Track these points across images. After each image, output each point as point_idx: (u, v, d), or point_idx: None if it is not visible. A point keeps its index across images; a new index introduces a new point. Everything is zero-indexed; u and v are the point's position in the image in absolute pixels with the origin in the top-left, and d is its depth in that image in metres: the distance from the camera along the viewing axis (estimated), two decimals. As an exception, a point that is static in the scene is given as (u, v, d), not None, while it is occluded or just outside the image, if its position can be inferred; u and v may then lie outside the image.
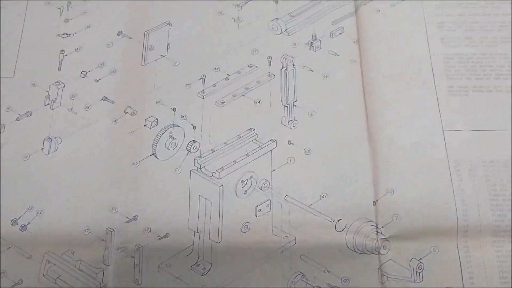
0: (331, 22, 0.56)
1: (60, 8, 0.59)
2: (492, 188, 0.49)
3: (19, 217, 0.50)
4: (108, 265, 0.48)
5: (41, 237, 0.49)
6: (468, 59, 0.54)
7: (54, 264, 0.49)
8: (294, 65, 0.55)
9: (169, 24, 0.57)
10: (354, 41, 0.55)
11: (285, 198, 0.50)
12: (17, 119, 0.54)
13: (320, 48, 0.55)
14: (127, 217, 0.50)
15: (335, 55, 0.55)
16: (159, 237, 0.49)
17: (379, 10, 0.56)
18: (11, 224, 0.50)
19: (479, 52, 0.54)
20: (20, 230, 0.50)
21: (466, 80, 0.53)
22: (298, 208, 0.49)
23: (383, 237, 0.47)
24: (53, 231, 0.50)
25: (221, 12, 0.58)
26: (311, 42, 0.56)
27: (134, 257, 0.48)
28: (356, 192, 0.49)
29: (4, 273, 0.48)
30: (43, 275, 0.48)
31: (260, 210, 0.49)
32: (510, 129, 0.51)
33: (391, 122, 0.51)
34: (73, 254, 0.49)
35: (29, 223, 0.50)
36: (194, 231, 0.49)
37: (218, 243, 0.48)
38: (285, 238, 0.48)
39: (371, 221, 0.48)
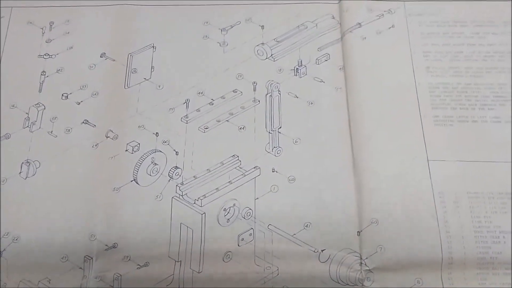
0: (316, 48, 0.56)
1: (42, 28, 0.58)
2: (477, 220, 0.48)
3: (-6, 244, 0.49)
4: (85, 295, 0.47)
5: (17, 264, 0.48)
6: (453, 88, 0.54)
7: (29, 293, 0.47)
8: (279, 91, 0.54)
9: (153, 47, 0.57)
10: (340, 68, 0.55)
11: (268, 227, 0.49)
12: (-4, 142, 0.53)
13: (306, 75, 0.55)
14: (106, 245, 0.48)
15: (320, 81, 0.54)
16: (138, 266, 0.48)
17: (365, 38, 0.56)
18: (-15, 251, 0.49)
19: (464, 82, 0.54)
20: (-5, 257, 0.48)
21: (451, 110, 0.53)
22: (281, 238, 0.48)
23: (367, 268, 0.47)
24: (29, 258, 0.48)
25: (206, 36, 0.57)
26: (297, 68, 0.55)
27: (113, 286, 0.47)
28: (340, 222, 0.49)
29: (-24, 302, 0.47)
30: (17, 305, 0.47)
31: (242, 239, 0.48)
32: (495, 160, 0.50)
33: (376, 152, 0.51)
34: (49, 282, 0.47)
35: (4, 249, 0.48)
36: (175, 260, 0.48)
37: (199, 273, 0.47)
38: (267, 268, 0.47)
39: (355, 252, 0.47)
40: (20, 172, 0.51)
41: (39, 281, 0.47)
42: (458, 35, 0.57)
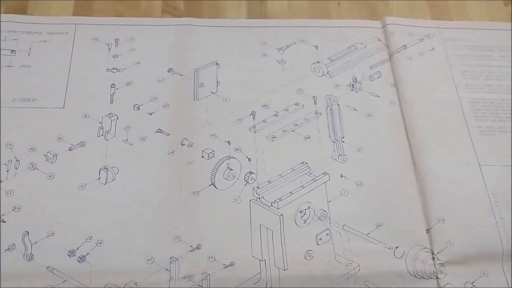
0: (369, 67, 0.61)
1: (108, 45, 0.60)
2: (528, 216, 0.54)
3: (77, 248, 0.49)
4: (174, 295, 0.48)
5: (101, 268, 0.48)
6: (490, 103, 0.60)
7: (117, 296, 0.47)
8: (338, 104, 0.59)
9: (217, 63, 0.60)
10: (391, 85, 0.60)
11: (343, 227, 0.52)
12: (70, 149, 0.53)
13: (361, 90, 0.60)
14: (190, 246, 0.50)
15: (375, 96, 0.59)
16: (224, 266, 0.49)
17: (411, 58, 0.62)
18: (68, 256, 0.48)
19: (499, 98, 0.60)
20: (78, 261, 0.48)
21: (491, 122, 0.59)
22: (356, 237, 0.51)
23: (440, 262, 0.50)
24: (113, 261, 0.49)
25: (265, 55, 0.61)
26: (352, 84, 0.60)
27: (202, 286, 0.48)
28: (408, 222, 0.52)
29: (62, 307, 0.47)
30: (106, 309, 0.47)
31: (320, 238, 0.51)
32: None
33: (434, 159, 0.55)
34: (136, 285, 0.48)
35: (88, 253, 0.49)
36: (259, 259, 0.50)
37: (285, 270, 0.49)
38: (349, 265, 0.50)
39: (426, 248, 0.51)
40: (99, 178, 0.52)
41: (125, 284, 0.48)
42: (488, 58, 0.63)
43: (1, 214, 0.49)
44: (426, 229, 0.52)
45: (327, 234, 0.52)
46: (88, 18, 0.62)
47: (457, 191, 0.54)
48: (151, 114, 0.56)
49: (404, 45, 0.62)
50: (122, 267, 0.48)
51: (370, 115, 0.58)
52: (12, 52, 0.58)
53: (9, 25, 0.60)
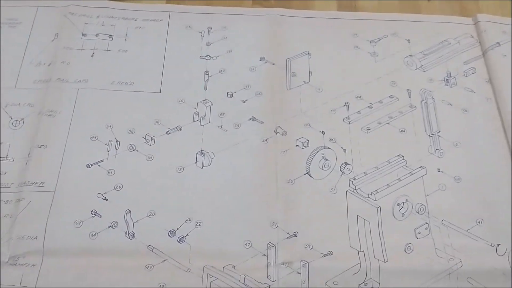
0: (463, 62, 0.60)
1: (201, 32, 0.60)
2: None
3: (177, 228, 0.49)
4: (273, 281, 0.47)
5: (200, 249, 0.48)
6: None
7: (217, 278, 0.47)
8: (433, 98, 0.57)
9: (308, 54, 0.60)
10: (486, 81, 0.59)
11: (442, 222, 0.50)
12: (167, 133, 0.54)
13: (456, 85, 0.58)
14: (287, 233, 0.49)
15: (471, 92, 0.58)
16: (323, 254, 0.48)
17: (505, 55, 0.60)
18: (169, 236, 0.48)
19: None
20: (178, 241, 0.48)
21: None
22: (456, 233, 0.50)
23: (545, 262, 0.49)
24: (212, 243, 0.48)
25: (357, 46, 0.61)
26: (447, 79, 0.59)
27: (300, 273, 0.47)
28: (509, 220, 0.51)
29: (163, 286, 0.46)
30: (208, 289, 0.47)
31: (419, 232, 0.50)
32: None
33: (535, 156, 0.54)
34: (234, 269, 0.47)
35: (187, 234, 0.49)
36: (358, 250, 0.49)
37: (385, 262, 0.48)
38: (450, 260, 0.48)
39: (530, 246, 0.49)
40: (196, 162, 0.52)
41: (223, 267, 0.47)
42: None
43: (104, 192, 0.50)
44: (529, 228, 0.50)
45: (426, 228, 0.50)
46: (182, 6, 0.62)
47: (560, 191, 0.52)
48: (244, 101, 0.56)
49: (498, 43, 0.61)
50: (221, 250, 0.48)
51: (466, 111, 0.57)
52: (110, 37, 0.59)
53: (107, 11, 0.61)
